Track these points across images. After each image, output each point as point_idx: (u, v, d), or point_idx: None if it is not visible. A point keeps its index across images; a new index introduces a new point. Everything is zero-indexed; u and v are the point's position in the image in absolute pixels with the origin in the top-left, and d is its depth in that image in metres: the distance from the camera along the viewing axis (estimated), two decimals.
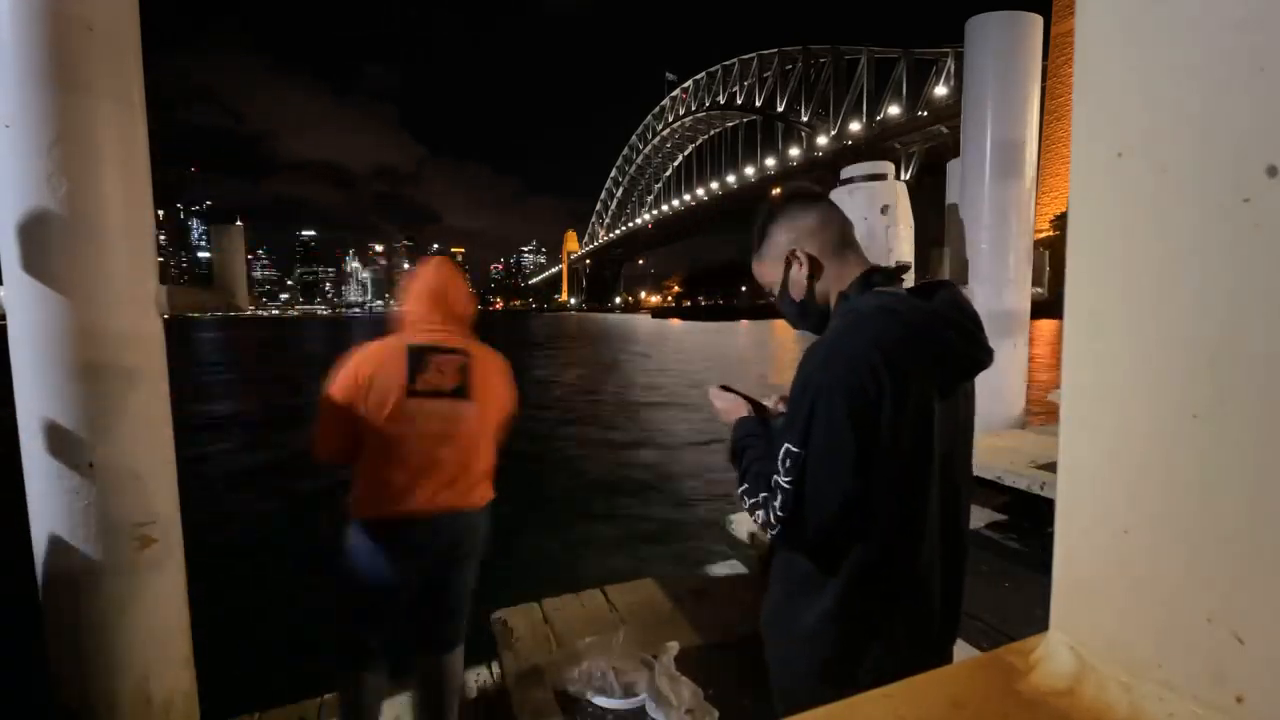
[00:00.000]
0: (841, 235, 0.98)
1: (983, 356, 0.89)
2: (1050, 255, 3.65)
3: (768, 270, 1.02)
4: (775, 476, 0.84)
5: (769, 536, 0.89)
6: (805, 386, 0.83)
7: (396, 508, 1.56)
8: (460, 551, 1.68)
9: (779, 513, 0.84)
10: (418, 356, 1.58)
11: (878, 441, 0.80)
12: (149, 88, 1.73)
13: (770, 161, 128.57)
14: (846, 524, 0.83)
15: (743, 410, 1.05)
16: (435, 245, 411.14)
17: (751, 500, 0.89)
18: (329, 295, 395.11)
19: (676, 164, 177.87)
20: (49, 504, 1.63)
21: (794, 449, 0.82)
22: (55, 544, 1.64)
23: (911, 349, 0.83)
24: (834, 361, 0.83)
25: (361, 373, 1.56)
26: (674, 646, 1.61)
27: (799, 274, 0.97)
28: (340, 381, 1.57)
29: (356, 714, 1.66)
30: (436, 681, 1.72)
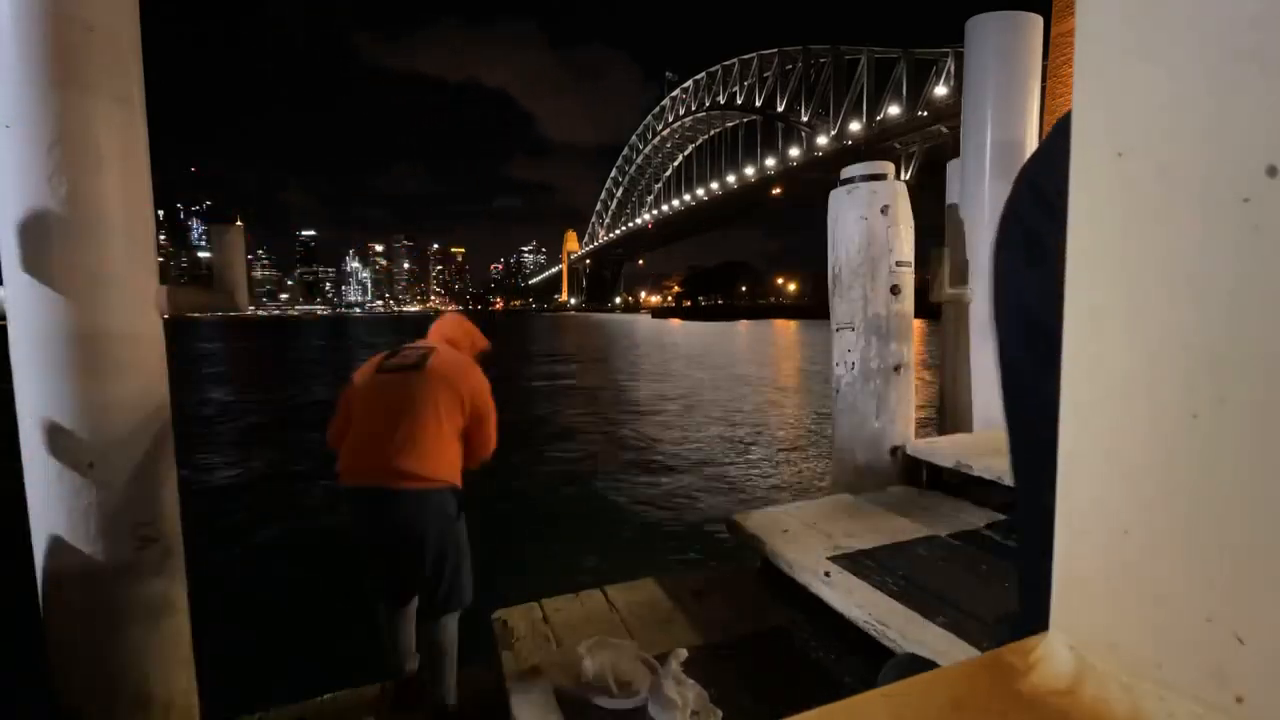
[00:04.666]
0: None
1: None
2: None
3: None
4: None
5: None
6: None
7: (350, 478, 1.78)
8: (412, 529, 1.76)
9: None
10: (394, 350, 1.98)
11: None
12: (147, 87, 1.73)
13: (770, 161, 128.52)
14: None
15: None
16: (435, 245, 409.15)
17: None
18: (329, 295, 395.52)
19: (676, 164, 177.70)
20: (49, 504, 1.63)
21: None
22: (55, 544, 1.64)
23: None
24: None
25: (358, 371, 1.94)
26: (683, 653, 1.61)
27: None
28: (349, 384, 1.94)
29: (391, 645, 1.97)
30: (425, 645, 1.91)
